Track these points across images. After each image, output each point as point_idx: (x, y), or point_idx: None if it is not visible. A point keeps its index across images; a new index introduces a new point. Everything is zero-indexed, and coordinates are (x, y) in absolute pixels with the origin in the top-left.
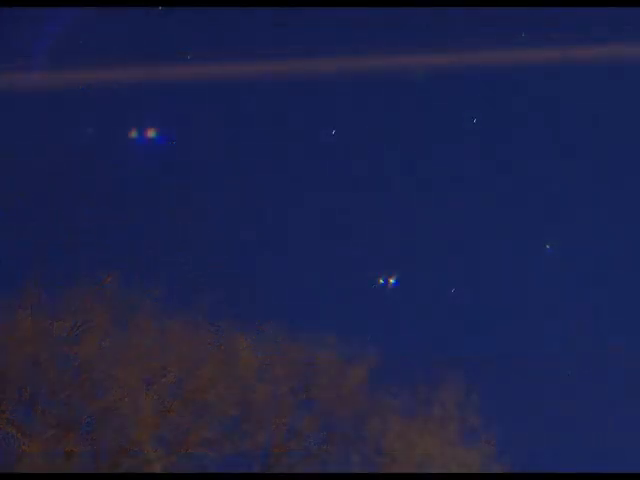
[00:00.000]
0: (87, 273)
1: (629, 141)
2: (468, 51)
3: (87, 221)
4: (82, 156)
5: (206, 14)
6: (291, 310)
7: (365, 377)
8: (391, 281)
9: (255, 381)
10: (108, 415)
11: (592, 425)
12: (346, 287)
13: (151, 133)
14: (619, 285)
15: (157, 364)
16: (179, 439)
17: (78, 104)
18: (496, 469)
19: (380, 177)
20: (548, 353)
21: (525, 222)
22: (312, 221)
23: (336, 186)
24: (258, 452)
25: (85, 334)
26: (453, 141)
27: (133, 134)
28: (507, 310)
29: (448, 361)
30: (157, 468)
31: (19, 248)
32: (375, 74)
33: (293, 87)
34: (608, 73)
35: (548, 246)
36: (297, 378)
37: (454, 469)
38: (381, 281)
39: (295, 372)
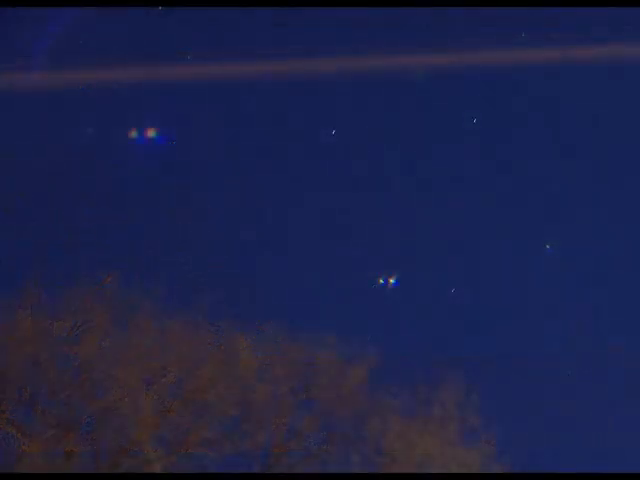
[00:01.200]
0: (87, 273)
1: (629, 141)
2: (468, 51)
3: (87, 221)
4: (82, 156)
5: (206, 14)
6: (291, 310)
7: (365, 377)
8: (391, 281)
9: (255, 381)
10: (108, 415)
11: (592, 425)
12: (346, 287)
13: (151, 133)
14: (619, 285)
15: (157, 364)
16: (179, 439)
17: (78, 104)
18: (496, 469)
19: (380, 177)
20: (548, 353)
21: (525, 222)
22: (312, 221)
23: (336, 186)
24: (258, 452)
25: (85, 334)
26: (453, 141)
27: (133, 134)
28: (507, 310)
29: (448, 361)
30: (157, 468)
31: (19, 248)
32: (375, 74)
33: (293, 87)
34: (608, 73)
35: (548, 246)
36: (297, 378)
37: (454, 469)
38: (381, 281)
39: (295, 372)
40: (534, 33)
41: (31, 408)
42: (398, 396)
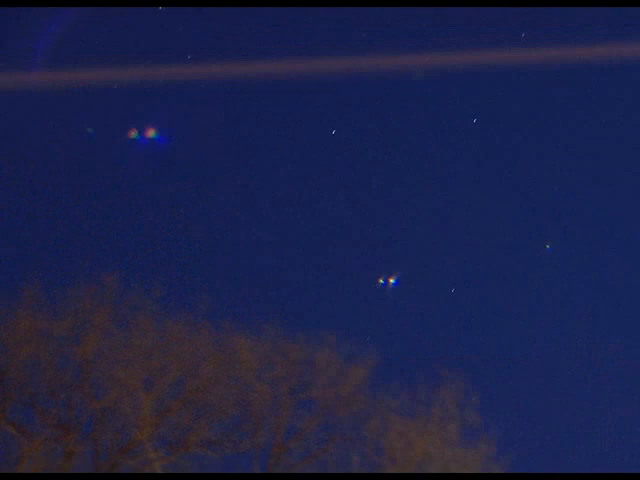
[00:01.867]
0: (87, 273)
1: (629, 141)
2: (468, 51)
3: (87, 221)
4: (82, 156)
5: (206, 14)
6: (291, 310)
7: (365, 377)
8: (391, 281)
9: (255, 381)
10: (108, 415)
11: (592, 425)
12: (346, 287)
13: (151, 133)
14: (619, 285)
15: (157, 364)
16: (179, 439)
17: (78, 104)
18: (496, 469)
19: (380, 177)
20: (548, 353)
21: (525, 222)
22: (312, 222)
23: (336, 186)
24: (258, 452)
25: (85, 334)
26: (453, 141)
27: (133, 134)
28: (507, 310)
29: (448, 361)
30: (157, 468)
31: (19, 248)
32: (375, 74)
33: (293, 87)
34: (608, 73)
35: (548, 246)
36: (297, 378)
37: (454, 469)
38: (381, 281)
39: (295, 372)
40: (534, 33)
41: (31, 408)
42: (398, 396)
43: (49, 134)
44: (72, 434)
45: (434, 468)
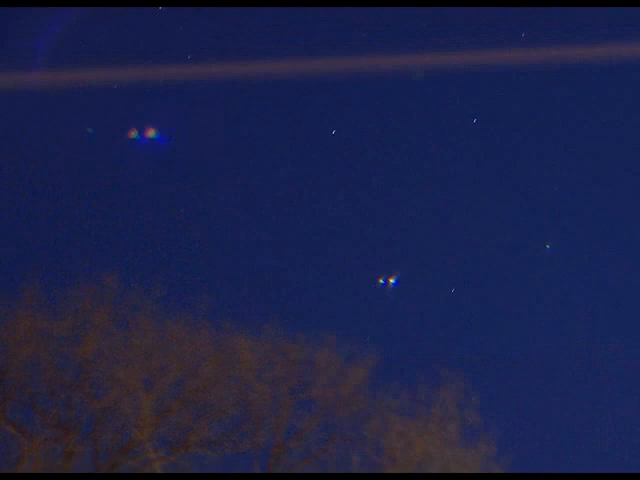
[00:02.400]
0: (87, 273)
1: (629, 141)
2: (468, 51)
3: (87, 221)
4: (82, 156)
5: (206, 14)
6: (291, 310)
7: (365, 377)
8: (391, 281)
9: (255, 381)
10: (108, 415)
11: (592, 425)
12: (346, 287)
13: (151, 133)
14: (619, 285)
15: (157, 364)
16: (179, 439)
17: (78, 104)
18: (496, 469)
19: (380, 177)
20: (548, 353)
21: (525, 222)
22: (312, 222)
23: (336, 186)
24: (258, 452)
25: (85, 334)
26: (453, 141)
27: (133, 134)
28: (507, 310)
29: (448, 361)
30: (157, 468)
31: (19, 248)
32: (375, 74)
33: (293, 87)
34: (608, 73)
35: (548, 246)
36: (297, 378)
37: (454, 469)
38: (381, 281)
39: (295, 372)
40: (534, 33)
41: (31, 408)
42: (398, 396)
43: (49, 134)
44: (72, 434)
45: (434, 468)
